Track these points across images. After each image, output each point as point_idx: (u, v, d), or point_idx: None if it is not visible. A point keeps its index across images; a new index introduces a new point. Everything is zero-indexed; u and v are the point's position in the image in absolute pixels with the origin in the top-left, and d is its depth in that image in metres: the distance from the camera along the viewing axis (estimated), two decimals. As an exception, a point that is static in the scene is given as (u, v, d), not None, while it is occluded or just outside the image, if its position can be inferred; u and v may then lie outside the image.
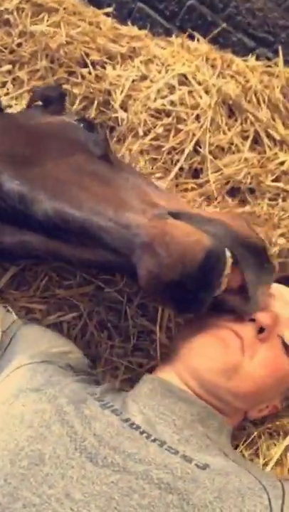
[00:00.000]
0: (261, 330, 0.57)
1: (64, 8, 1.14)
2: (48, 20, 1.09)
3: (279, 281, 0.71)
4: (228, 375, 0.54)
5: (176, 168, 0.92)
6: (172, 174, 0.92)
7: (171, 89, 0.97)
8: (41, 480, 0.39)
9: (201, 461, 0.46)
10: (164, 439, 0.47)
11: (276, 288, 0.66)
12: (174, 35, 1.17)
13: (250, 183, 0.92)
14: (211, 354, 0.54)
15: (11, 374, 0.55)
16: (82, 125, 0.75)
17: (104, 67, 1.05)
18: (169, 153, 0.94)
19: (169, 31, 1.25)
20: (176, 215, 0.60)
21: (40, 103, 0.88)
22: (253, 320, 0.58)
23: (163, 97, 0.95)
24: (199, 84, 0.97)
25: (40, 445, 0.42)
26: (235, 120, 0.98)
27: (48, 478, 0.39)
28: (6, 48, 1.06)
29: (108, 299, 0.79)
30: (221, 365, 0.54)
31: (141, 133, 0.93)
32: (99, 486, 0.39)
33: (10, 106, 1.04)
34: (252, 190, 0.93)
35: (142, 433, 0.47)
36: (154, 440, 0.47)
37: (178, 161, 0.92)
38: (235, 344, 0.55)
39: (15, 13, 1.07)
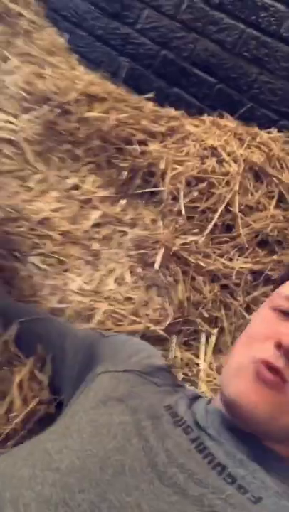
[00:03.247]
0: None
1: (113, 97, 1.37)
2: (100, 108, 1.32)
3: None
4: (273, 418, 0.50)
5: (211, 225, 1.06)
6: (208, 230, 1.06)
7: (204, 160, 1.14)
8: (122, 488, 0.43)
9: (255, 495, 0.46)
10: (226, 464, 0.49)
11: None
12: (205, 115, 1.37)
13: (277, 236, 1.04)
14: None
15: (96, 379, 0.59)
16: None
17: (147, 145, 1.24)
18: (204, 212, 1.09)
19: (202, 111, 1.46)
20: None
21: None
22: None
23: (197, 167, 1.12)
24: (228, 155, 1.14)
25: (122, 456, 0.46)
26: (261, 183, 1.12)
27: (127, 487, 0.43)
28: (66, 131, 1.28)
29: (155, 337, 0.90)
30: (266, 412, 0.49)
31: (179, 196, 1.09)
32: (162, 503, 0.43)
33: (68, 177, 1.23)
34: (279, 242, 1.05)
35: (206, 456, 0.49)
36: (216, 466, 0.48)
37: (212, 218, 1.06)
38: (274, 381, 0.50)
39: (73, 104, 1.30)
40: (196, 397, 0.61)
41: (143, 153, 1.22)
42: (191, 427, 0.53)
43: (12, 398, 0.60)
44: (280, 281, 0.63)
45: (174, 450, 0.49)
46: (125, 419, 0.51)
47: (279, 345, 0.51)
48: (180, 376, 0.83)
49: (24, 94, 1.36)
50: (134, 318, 0.91)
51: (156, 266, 0.94)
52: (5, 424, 0.58)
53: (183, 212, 1.04)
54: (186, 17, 1.49)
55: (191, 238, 1.03)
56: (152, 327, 0.89)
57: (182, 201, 1.06)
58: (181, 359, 0.87)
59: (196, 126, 1.29)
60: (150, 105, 1.43)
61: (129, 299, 0.96)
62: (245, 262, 1.00)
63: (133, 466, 0.46)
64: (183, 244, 1.00)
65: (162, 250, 0.95)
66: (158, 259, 0.95)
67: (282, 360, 0.50)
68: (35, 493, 0.42)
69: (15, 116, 1.33)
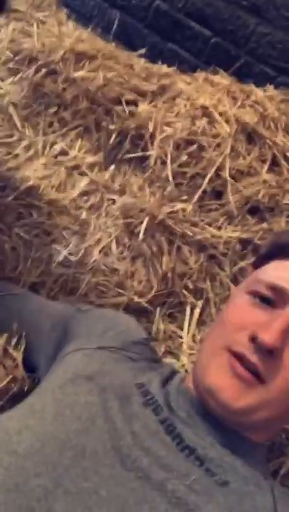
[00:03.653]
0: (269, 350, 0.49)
1: (102, 55, 1.30)
2: (88, 66, 1.25)
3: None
4: (246, 413, 0.50)
5: (200, 191, 1.02)
6: (196, 197, 1.02)
7: (195, 120, 1.09)
8: (80, 472, 0.42)
9: (222, 478, 0.46)
10: (195, 446, 0.49)
11: None
12: (199, 71, 1.30)
13: (268, 203, 1.00)
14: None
15: (68, 356, 0.59)
16: None
17: (136, 105, 1.18)
18: (193, 177, 1.04)
19: (197, 67, 1.37)
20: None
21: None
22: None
23: (187, 129, 1.07)
24: (220, 115, 1.08)
25: (85, 439, 0.45)
26: (254, 145, 1.07)
27: (85, 471, 0.43)
28: (52, 93, 1.23)
29: (139, 309, 0.90)
30: (240, 407, 0.49)
31: (168, 161, 1.04)
32: (120, 489, 0.42)
33: (55, 143, 1.19)
34: (270, 209, 1.01)
35: (174, 438, 0.49)
36: (184, 448, 0.48)
37: (201, 185, 1.02)
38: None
39: (60, 63, 1.24)
40: (173, 374, 0.60)
41: (132, 114, 1.16)
42: (161, 406, 0.52)
43: (-16, 376, 0.61)
44: (258, 262, 0.60)
45: (141, 432, 0.48)
46: (92, 399, 0.51)
47: (254, 339, 0.49)
48: (162, 349, 0.83)
49: (10, 54, 1.30)
50: (119, 290, 0.90)
51: (141, 236, 0.92)
52: (-25, 402, 0.58)
53: (170, 178, 1.00)
54: None
55: (178, 206, 1.00)
56: (136, 299, 0.88)
57: (169, 167, 1.02)
58: (164, 331, 0.86)
59: (188, 83, 1.22)
60: (142, 62, 1.36)
61: (114, 270, 0.95)
62: (234, 231, 0.97)
63: (95, 450, 0.45)
64: (170, 212, 0.97)
65: (146, 219, 0.93)
66: (142, 228, 0.92)
67: (257, 355, 0.49)
68: None
69: (0, 79, 1.28)
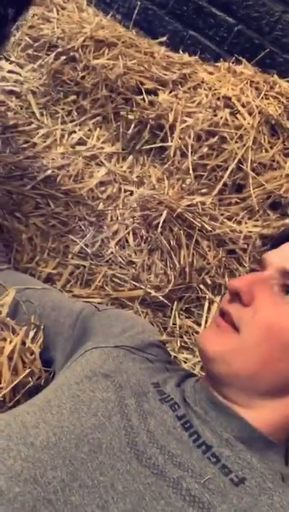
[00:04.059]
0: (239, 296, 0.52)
1: (122, 42, 1.27)
2: (108, 54, 1.23)
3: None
4: (224, 360, 0.51)
5: (220, 184, 1.00)
6: (216, 190, 1.00)
7: (217, 111, 1.06)
8: (96, 466, 0.43)
9: (239, 476, 0.46)
10: (212, 443, 0.49)
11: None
12: (221, 60, 1.26)
13: (290, 198, 0.98)
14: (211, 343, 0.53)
15: (86, 353, 0.59)
16: None
17: (157, 94, 1.16)
18: (213, 170, 1.02)
19: (219, 56, 1.34)
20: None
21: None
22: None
23: (208, 119, 1.04)
24: (243, 106, 1.05)
25: (101, 434, 0.46)
26: (278, 138, 1.04)
27: (101, 466, 0.43)
28: (71, 81, 1.21)
29: (156, 303, 0.89)
30: (215, 351, 0.51)
31: (188, 153, 1.02)
32: (137, 484, 0.43)
33: (74, 132, 1.18)
34: (292, 204, 0.99)
35: (191, 434, 0.49)
36: (201, 445, 0.48)
37: (221, 177, 1.00)
38: (223, 323, 0.53)
39: (80, 50, 1.22)
40: (188, 376, 0.60)
41: (152, 103, 1.14)
42: (178, 404, 0.52)
43: (1, 368, 0.60)
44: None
45: (157, 430, 0.48)
46: (108, 396, 0.51)
47: (229, 289, 0.55)
48: (178, 344, 0.82)
49: (29, 40, 1.28)
50: (135, 283, 0.89)
51: (159, 229, 0.91)
52: (-8, 396, 0.58)
53: (190, 170, 0.98)
54: None
55: (198, 199, 0.98)
56: (153, 293, 0.87)
57: (190, 158, 1.00)
58: (180, 327, 0.85)
59: (211, 73, 1.19)
60: (163, 50, 1.33)
61: (131, 262, 0.93)
62: (255, 226, 0.95)
63: (111, 445, 0.46)
64: (189, 205, 0.95)
65: (165, 212, 0.91)
66: (160, 221, 0.91)
67: (232, 305, 0.53)
68: (6, 466, 0.42)
69: (19, 66, 1.27)
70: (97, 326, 0.65)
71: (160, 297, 0.87)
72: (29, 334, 0.67)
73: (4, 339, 0.64)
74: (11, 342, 0.63)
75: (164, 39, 1.38)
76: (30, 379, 0.62)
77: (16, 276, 0.77)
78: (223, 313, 0.54)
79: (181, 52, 1.35)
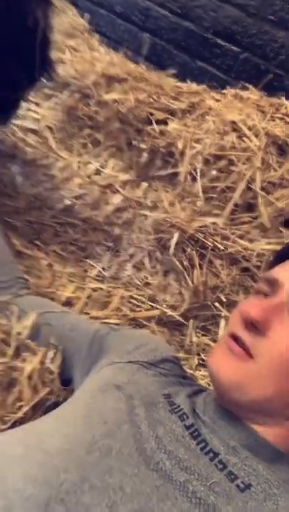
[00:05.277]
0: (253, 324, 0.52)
1: (133, 77, 1.35)
2: (119, 89, 1.30)
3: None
4: (240, 388, 0.51)
5: (231, 204, 1.02)
6: (227, 210, 1.03)
7: (224, 136, 1.10)
8: (105, 470, 0.45)
9: (245, 482, 0.47)
10: (219, 451, 0.50)
11: None
12: (228, 87, 1.31)
13: (301, 214, 0.99)
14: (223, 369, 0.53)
15: (101, 370, 0.62)
16: None
17: (166, 124, 1.21)
18: (223, 191, 1.05)
19: (226, 83, 1.39)
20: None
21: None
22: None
23: (216, 144, 1.08)
24: (249, 129, 1.09)
25: (111, 441, 0.48)
26: (285, 158, 1.07)
27: (111, 469, 0.45)
28: (85, 116, 1.28)
29: (172, 322, 0.91)
30: (231, 380, 0.51)
31: (197, 176, 1.06)
32: (144, 487, 0.44)
33: (90, 163, 1.24)
34: (304, 221, 1.00)
35: (199, 443, 0.51)
36: (208, 452, 0.50)
37: (232, 198, 1.02)
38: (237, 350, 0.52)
39: (92, 87, 1.29)
40: (201, 390, 0.61)
41: (162, 132, 1.19)
42: (186, 414, 0.54)
43: (22, 387, 0.63)
44: (268, 268, 0.62)
45: (165, 437, 0.50)
46: (119, 406, 0.53)
47: (245, 317, 0.53)
48: (195, 362, 0.83)
49: (45, 81, 1.36)
50: (152, 303, 0.91)
51: (171, 251, 0.93)
52: (13, 413, 0.61)
53: (200, 194, 1.02)
54: (207, -17, 1.41)
55: (209, 220, 1.01)
56: (169, 312, 0.89)
57: (199, 182, 1.03)
58: (198, 344, 0.86)
59: (218, 100, 1.24)
60: (172, 81, 1.39)
61: (147, 284, 0.96)
62: (268, 243, 0.97)
63: (120, 451, 0.47)
64: (201, 226, 0.98)
65: (177, 234, 0.94)
66: (172, 243, 0.94)
67: (247, 332, 0.52)
68: (23, 471, 0.45)
69: (37, 105, 1.35)
70: (112, 345, 0.68)
71: (176, 316, 0.89)
72: (48, 355, 0.70)
73: (25, 360, 0.67)
74: (31, 362, 0.66)
75: (173, 71, 1.44)
76: (49, 397, 0.65)
77: (35, 301, 0.81)
78: (235, 338, 0.53)
79: (189, 82, 1.41)
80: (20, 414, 0.61)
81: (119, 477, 0.45)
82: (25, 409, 0.62)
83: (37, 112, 1.32)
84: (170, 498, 0.44)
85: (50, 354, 0.70)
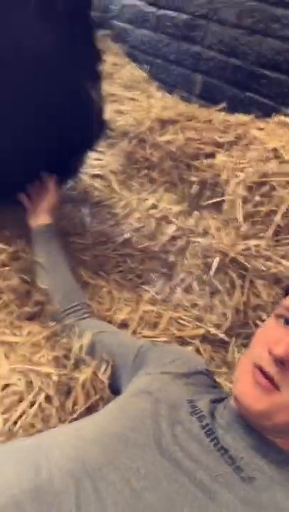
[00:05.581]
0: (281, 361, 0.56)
1: (184, 117, 1.48)
2: (171, 130, 1.44)
3: None
4: (266, 416, 0.57)
5: (273, 227, 1.09)
6: (270, 232, 1.09)
7: (266, 163, 1.17)
8: (128, 456, 0.55)
9: (249, 475, 0.54)
10: (229, 448, 0.58)
11: None
12: (273, 115, 1.39)
13: None
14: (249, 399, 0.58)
15: (138, 379, 0.72)
16: None
17: (214, 156, 1.32)
18: (267, 215, 1.12)
19: (274, 110, 1.46)
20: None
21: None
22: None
23: (258, 171, 1.16)
24: (289, 154, 1.15)
25: (134, 434, 0.58)
26: None
27: (132, 456, 0.55)
28: (142, 158, 1.44)
29: (216, 340, 0.99)
30: (258, 409, 0.57)
31: (241, 203, 1.14)
32: (157, 472, 0.53)
33: (147, 199, 1.39)
34: None
35: (212, 440, 0.59)
36: (220, 449, 0.57)
37: (273, 220, 1.09)
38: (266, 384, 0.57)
39: (147, 132, 1.45)
40: (224, 399, 0.69)
41: (210, 165, 1.30)
42: (205, 416, 0.63)
43: (77, 394, 0.77)
44: (287, 290, 0.67)
45: (181, 436, 0.59)
46: (145, 407, 0.63)
47: (271, 352, 0.57)
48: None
49: (108, 131, 1.56)
50: (198, 323, 1.01)
51: (211, 273, 1.02)
52: (70, 414, 0.75)
53: (240, 220, 1.10)
54: (248, 21, 1.51)
55: (253, 243, 1.08)
56: (213, 331, 0.98)
57: (240, 209, 1.11)
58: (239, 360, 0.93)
59: (262, 129, 1.31)
60: (221, 115, 1.50)
61: (194, 305, 1.06)
62: (309, 262, 1.01)
63: (140, 441, 0.58)
64: (244, 249, 1.06)
65: (217, 258, 1.03)
66: (213, 267, 1.03)
67: (273, 366, 0.57)
68: (63, 452, 0.57)
69: (102, 153, 1.55)
70: (151, 358, 0.79)
71: (219, 334, 0.97)
72: (101, 368, 0.83)
73: (80, 371, 0.81)
74: (84, 373, 0.80)
75: (223, 105, 1.55)
76: (100, 402, 0.78)
77: (94, 323, 0.96)
78: (261, 370, 0.57)
79: (238, 113, 1.50)
80: (74, 415, 0.75)
81: (137, 462, 0.55)
82: (78, 411, 0.75)
83: (102, 159, 1.51)
84: (178, 482, 0.53)
85: (103, 367, 0.83)
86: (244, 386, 0.59)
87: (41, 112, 0.93)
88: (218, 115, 1.51)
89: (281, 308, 0.63)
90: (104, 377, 0.81)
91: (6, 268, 1.07)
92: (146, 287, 1.13)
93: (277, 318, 0.62)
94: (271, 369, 0.57)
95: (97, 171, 1.50)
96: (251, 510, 0.52)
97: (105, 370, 0.83)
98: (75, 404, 0.77)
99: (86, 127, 1.04)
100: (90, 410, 0.77)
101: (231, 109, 1.56)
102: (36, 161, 1.06)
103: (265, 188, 1.14)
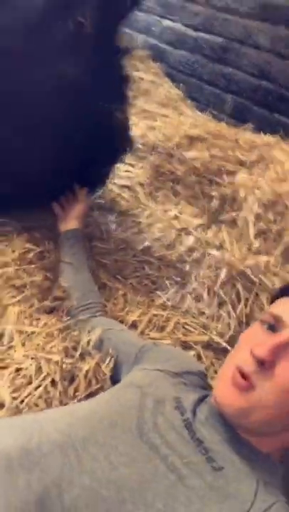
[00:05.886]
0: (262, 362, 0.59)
1: (212, 135, 1.56)
2: (198, 147, 1.52)
3: None
4: (245, 415, 0.61)
5: (282, 245, 1.13)
6: (279, 249, 1.14)
7: (282, 183, 1.22)
8: (109, 434, 0.61)
9: (219, 465, 0.59)
10: (204, 440, 0.62)
11: None
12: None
13: None
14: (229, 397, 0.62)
15: (132, 373, 0.78)
16: None
17: (235, 174, 1.38)
18: (278, 234, 1.17)
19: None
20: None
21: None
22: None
23: (273, 191, 1.21)
24: (305, 176, 1.20)
25: (119, 418, 0.65)
26: None
27: (113, 435, 0.61)
28: (168, 172, 1.52)
29: (219, 348, 1.04)
30: (239, 410, 0.61)
31: (254, 220, 1.20)
32: (134, 452, 0.59)
33: (170, 210, 1.46)
34: None
35: (190, 432, 0.64)
36: (195, 440, 0.62)
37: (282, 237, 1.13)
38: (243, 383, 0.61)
39: (175, 148, 1.54)
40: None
41: (231, 182, 1.36)
42: (187, 411, 0.68)
43: (79, 381, 0.85)
44: (273, 299, 0.72)
45: (162, 425, 0.65)
46: (133, 397, 0.70)
47: (252, 353, 0.62)
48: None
49: (139, 145, 1.66)
50: (203, 330, 1.07)
51: (218, 284, 1.08)
52: (71, 399, 0.83)
53: (251, 236, 1.15)
54: (281, 47, 1.57)
55: (262, 258, 1.13)
56: (216, 339, 1.03)
57: (252, 225, 1.17)
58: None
59: (283, 149, 1.36)
60: (248, 135, 1.56)
61: (202, 313, 1.12)
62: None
63: (124, 425, 0.64)
64: (253, 264, 1.11)
65: (224, 270, 1.09)
66: (220, 278, 1.08)
67: (253, 366, 0.61)
68: (56, 426, 0.64)
69: (132, 166, 1.64)
70: (150, 356, 0.86)
71: (222, 342, 1.03)
72: (105, 360, 0.91)
73: (85, 362, 0.90)
74: (88, 364, 0.88)
75: (250, 125, 1.61)
76: (100, 391, 0.85)
77: (105, 321, 1.04)
78: (242, 373, 0.60)
79: (265, 134, 1.56)
80: (75, 400, 0.82)
81: (118, 441, 0.62)
82: (79, 397, 0.83)
83: (131, 171, 1.60)
84: (152, 463, 0.59)
85: (106, 360, 0.91)
86: (223, 387, 0.63)
87: (73, 134, 1.03)
88: (244, 134, 1.57)
89: (266, 315, 0.67)
90: (106, 369, 0.89)
91: (32, 265, 1.18)
92: (159, 293, 1.20)
93: (261, 324, 0.67)
94: (250, 369, 0.61)
95: (125, 182, 1.59)
96: (218, 497, 0.56)
97: (108, 362, 0.90)
98: (76, 390, 0.85)
99: (111, 145, 1.14)
100: (90, 397, 0.84)
101: (259, 129, 1.62)
102: (69, 175, 1.18)
103: (279, 207, 1.19)
